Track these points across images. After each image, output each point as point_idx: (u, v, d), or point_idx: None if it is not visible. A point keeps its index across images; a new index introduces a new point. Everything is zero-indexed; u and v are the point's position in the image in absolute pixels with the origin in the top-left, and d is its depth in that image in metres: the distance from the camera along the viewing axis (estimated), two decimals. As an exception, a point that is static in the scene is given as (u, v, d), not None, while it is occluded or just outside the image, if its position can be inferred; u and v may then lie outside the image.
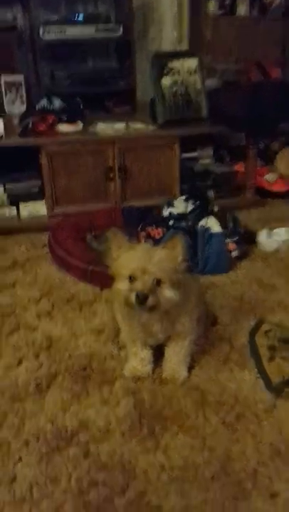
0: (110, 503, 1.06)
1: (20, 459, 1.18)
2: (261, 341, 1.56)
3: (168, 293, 1.24)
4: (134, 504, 1.06)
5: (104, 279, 1.64)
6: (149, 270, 1.21)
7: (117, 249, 1.29)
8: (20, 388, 1.39)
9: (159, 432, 1.24)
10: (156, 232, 2.10)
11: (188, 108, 2.57)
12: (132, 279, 1.23)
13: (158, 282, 1.22)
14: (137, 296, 1.20)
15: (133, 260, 1.24)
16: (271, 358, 1.48)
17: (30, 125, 2.43)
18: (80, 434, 1.24)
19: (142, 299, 1.20)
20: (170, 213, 2.17)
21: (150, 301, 1.20)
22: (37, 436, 1.23)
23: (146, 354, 1.44)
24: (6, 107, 2.52)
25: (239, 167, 2.79)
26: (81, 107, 2.60)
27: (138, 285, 1.21)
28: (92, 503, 1.06)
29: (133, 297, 1.20)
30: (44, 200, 2.47)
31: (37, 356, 1.51)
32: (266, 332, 1.60)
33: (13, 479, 1.12)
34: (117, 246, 1.29)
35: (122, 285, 1.25)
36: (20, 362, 1.49)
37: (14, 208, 2.46)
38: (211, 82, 2.83)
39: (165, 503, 1.06)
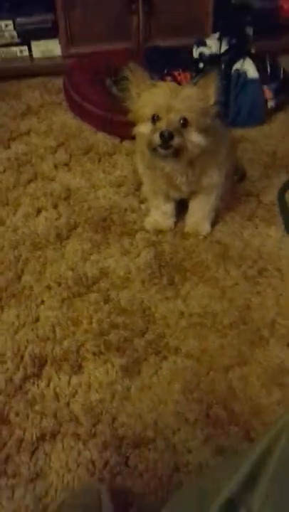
0: (130, 343, 1.10)
1: (42, 302, 1.21)
2: (291, 198, 1.47)
3: (195, 136, 1.11)
4: (153, 345, 1.10)
5: (124, 129, 1.49)
6: (176, 107, 1.08)
7: (137, 87, 1.14)
8: (41, 237, 1.37)
9: (179, 282, 1.24)
10: (184, 76, 1.86)
11: None
12: (155, 119, 1.10)
13: (185, 124, 1.09)
14: (162, 135, 1.07)
15: (157, 97, 1.10)
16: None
17: None
18: (101, 281, 1.25)
19: (167, 137, 1.07)
20: (200, 54, 1.90)
21: (176, 141, 1.08)
22: (58, 282, 1.25)
23: (169, 208, 1.38)
24: None
25: (285, 1, 2.36)
26: None
27: (162, 124, 1.08)
28: (113, 342, 1.11)
29: (157, 138, 1.08)
30: (58, 38, 2.18)
31: (56, 206, 1.47)
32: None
33: (37, 320, 1.17)
34: (138, 83, 1.13)
35: (144, 128, 1.13)
36: (39, 211, 1.46)
37: (25, 46, 2.20)
38: None
39: (183, 345, 1.09)
